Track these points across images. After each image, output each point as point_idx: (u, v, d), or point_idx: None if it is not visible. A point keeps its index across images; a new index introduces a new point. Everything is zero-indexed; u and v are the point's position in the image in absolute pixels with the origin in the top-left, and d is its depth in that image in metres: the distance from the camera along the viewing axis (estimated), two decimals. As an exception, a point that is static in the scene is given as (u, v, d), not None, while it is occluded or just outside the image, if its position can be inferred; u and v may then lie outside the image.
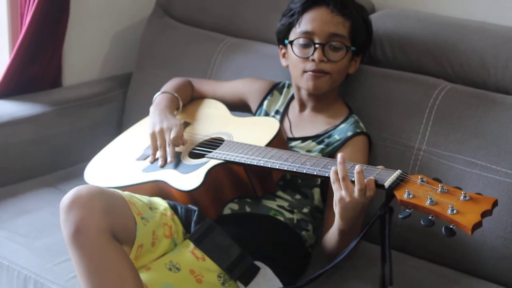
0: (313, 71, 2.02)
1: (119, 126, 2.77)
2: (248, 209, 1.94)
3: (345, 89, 2.22)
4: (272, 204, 1.97)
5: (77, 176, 2.38)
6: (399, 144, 2.11)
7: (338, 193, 1.65)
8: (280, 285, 1.79)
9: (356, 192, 1.62)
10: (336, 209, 1.69)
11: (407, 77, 2.19)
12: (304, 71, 2.04)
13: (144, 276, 1.70)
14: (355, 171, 1.62)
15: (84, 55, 2.81)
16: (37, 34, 2.53)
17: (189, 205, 1.86)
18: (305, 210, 1.98)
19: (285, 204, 1.97)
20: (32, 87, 2.64)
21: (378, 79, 2.21)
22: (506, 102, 2.03)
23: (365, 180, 1.61)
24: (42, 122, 2.56)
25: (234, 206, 1.94)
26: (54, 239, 2.07)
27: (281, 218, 1.95)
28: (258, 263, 1.79)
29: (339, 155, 1.64)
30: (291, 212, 1.97)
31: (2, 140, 2.45)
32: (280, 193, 1.98)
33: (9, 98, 2.57)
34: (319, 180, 1.98)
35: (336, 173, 1.65)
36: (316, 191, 1.99)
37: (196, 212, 1.83)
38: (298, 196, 1.99)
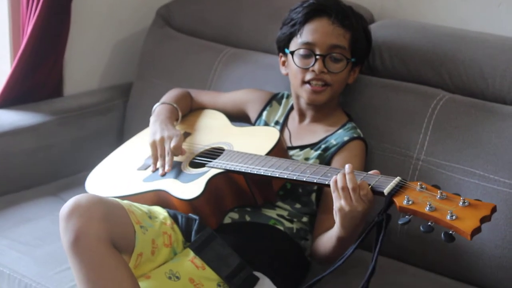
0: (312, 80, 2.03)
1: (120, 135, 2.78)
2: (248, 218, 1.95)
3: (345, 99, 2.23)
4: (271, 213, 1.97)
5: (78, 185, 2.39)
6: (398, 153, 2.12)
7: (338, 202, 1.66)
8: None
9: (353, 199, 1.63)
10: (337, 218, 1.70)
11: (406, 87, 2.20)
12: (304, 81, 2.05)
13: (143, 284, 1.70)
14: (346, 172, 1.63)
15: (85, 64, 2.83)
16: (38, 44, 2.54)
17: (190, 214, 1.87)
18: (305, 219, 1.99)
19: (285, 213, 1.98)
20: (33, 96, 2.65)
21: (377, 89, 2.22)
22: (503, 111, 2.03)
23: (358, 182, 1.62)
24: (43, 132, 2.57)
25: (234, 215, 1.95)
26: (55, 247, 2.08)
27: (281, 227, 1.96)
28: (257, 273, 1.79)
29: (346, 166, 1.65)
30: (291, 221, 1.98)
31: (3, 149, 2.46)
32: (280, 203, 1.99)
33: (10, 107, 2.59)
34: (315, 186, 1.99)
35: (336, 182, 1.66)
36: (313, 196, 2.00)
37: (197, 221, 1.84)
38: (298, 205, 2.00)
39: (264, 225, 1.95)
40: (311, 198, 2.00)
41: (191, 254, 1.78)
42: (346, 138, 2.03)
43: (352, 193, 1.62)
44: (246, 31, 2.59)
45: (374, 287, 1.93)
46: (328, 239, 1.83)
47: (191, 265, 1.76)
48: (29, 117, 2.56)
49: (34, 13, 2.50)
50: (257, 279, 1.79)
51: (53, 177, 2.59)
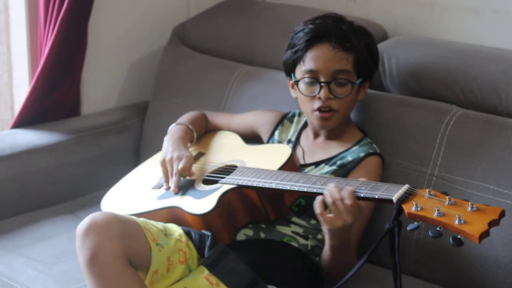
0: (320, 108, 2.04)
1: (137, 153, 2.80)
2: (262, 235, 1.96)
3: (359, 115, 2.24)
4: (286, 230, 1.98)
5: (95, 203, 2.39)
6: (412, 169, 2.12)
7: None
8: None
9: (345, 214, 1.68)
10: (328, 233, 1.75)
11: (419, 103, 2.20)
12: (313, 110, 2.06)
13: (158, 301, 1.72)
14: (328, 187, 1.70)
15: (102, 84, 2.85)
16: (56, 64, 2.57)
17: (203, 231, 1.88)
18: (320, 236, 2.00)
19: (300, 230, 1.99)
20: (51, 116, 2.68)
21: (391, 105, 2.23)
22: (517, 127, 2.04)
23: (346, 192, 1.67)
24: (61, 151, 2.59)
25: (249, 232, 1.96)
26: (72, 265, 2.09)
27: (295, 244, 1.96)
28: (271, 287, 1.80)
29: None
30: (306, 238, 1.98)
31: (21, 168, 2.49)
32: (295, 219, 2.00)
33: (28, 127, 2.62)
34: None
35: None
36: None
37: (210, 237, 1.85)
38: (313, 221, 2.00)
39: (279, 242, 1.95)
40: (327, 215, 2.01)
41: (206, 271, 1.79)
42: (362, 154, 2.04)
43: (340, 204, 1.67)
44: (260, 48, 2.61)
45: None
46: (324, 252, 1.86)
47: (206, 282, 1.77)
48: (47, 137, 2.58)
49: (52, 33, 2.53)
50: (271, 293, 1.80)
51: (70, 196, 2.61)
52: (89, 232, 1.70)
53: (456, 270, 2.04)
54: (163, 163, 2.08)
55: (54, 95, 2.64)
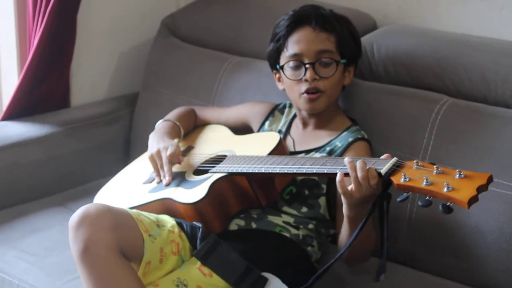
0: (308, 90, 2.05)
1: (127, 145, 2.80)
2: (254, 225, 1.97)
3: (348, 105, 2.25)
4: (277, 220, 1.99)
5: (86, 195, 2.41)
6: (402, 158, 2.07)
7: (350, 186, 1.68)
8: None
9: (363, 185, 1.64)
10: (346, 205, 1.71)
11: (409, 93, 2.21)
12: (301, 93, 2.07)
13: (152, 292, 1.72)
14: (357, 162, 1.65)
15: (91, 75, 2.85)
16: (45, 56, 2.56)
17: (194, 222, 1.89)
18: (311, 226, 2.00)
19: (291, 220, 1.99)
20: (40, 108, 2.67)
21: (380, 95, 2.24)
22: (506, 116, 2.04)
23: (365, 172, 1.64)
24: (51, 143, 2.59)
25: (240, 222, 1.97)
26: (64, 257, 2.09)
27: (287, 234, 1.97)
28: (265, 274, 1.81)
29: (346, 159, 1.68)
30: (297, 228, 1.99)
31: (11, 160, 2.48)
32: (286, 208, 2.00)
33: (17, 119, 2.61)
34: (325, 189, 2.00)
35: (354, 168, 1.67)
36: (322, 200, 2.01)
37: (201, 229, 1.85)
38: (304, 209, 2.00)
39: (270, 232, 1.96)
40: (318, 202, 2.01)
41: (199, 261, 1.80)
42: (350, 139, 2.05)
43: (362, 182, 1.64)
44: (250, 39, 2.61)
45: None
46: (344, 229, 1.84)
47: (199, 273, 1.78)
48: (37, 129, 2.58)
49: (41, 25, 2.52)
50: (266, 280, 1.80)
51: (61, 188, 2.60)
52: (81, 224, 1.70)
53: (447, 259, 2.05)
54: (151, 157, 2.09)
55: (44, 86, 2.64)
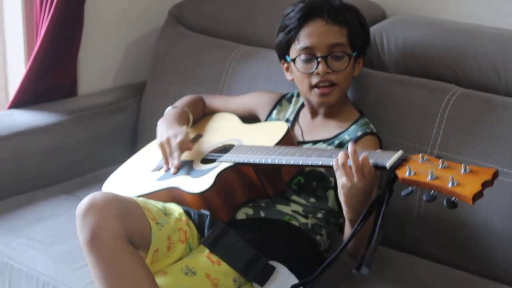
0: (319, 83, 2.04)
1: (134, 133, 2.80)
2: (262, 214, 1.96)
3: (358, 95, 2.24)
4: (286, 209, 1.98)
5: (93, 183, 2.41)
6: (411, 148, 2.12)
7: (340, 180, 1.68)
8: (296, 281, 1.80)
9: (354, 175, 1.64)
10: (341, 196, 1.72)
11: (419, 83, 2.20)
12: (312, 86, 2.06)
13: (160, 280, 1.72)
14: (349, 152, 1.65)
15: (99, 64, 2.84)
16: (52, 45, 2.56)
17: (202, 210, 1.88)
18: (319, 215, 2.00)
19: (300, 209, 1.99)
20: (47, 96, 2.67)
21: (390, 85, 2.23)
22: (517, 105, 2.04)
23: (360, 159, 1.64)
24: (58, 131, 2.59)
25: (249, 211, 1.96)
26: (71, 245, 2.09)
27: (296, 223, 1.97)
28: (273, 263, 1.81)
29: (349, 145, 1.67)
30: (306, 217, 1.99)
31: (19, 149, 2.48)
32: (294, 197, 2.00)
33: (25, 107, 2.61)
34: (333, 182, 1.99)
35: (337, 160, 1.68)
36: (331, 193, 2.00)
37: (208, 217, 1.85)
38: (312, 200, 2.00)
39: (279, 220, 1.96)
40: (327, 194, 2.01)
41: (207, 250, 1.80)
42: (359, 133, 2.04)
43: (355, 172, 1.64)
44: (258, 28, 2.60)
45: (388, 281, 1.96)
46: (346, 228, 1.84)
47: (207, 261, 1.78)
48: (44, 117, 2.58)
49: (48, 14, 2.52)
50: (273, 268, 1.80)
51: (68, 176, 2.60)
52: (89, 212, 1.70)
53: (455, 249, 2.05)
54: (161, 145, 2.09)
55: (51, 76, 2.63)
